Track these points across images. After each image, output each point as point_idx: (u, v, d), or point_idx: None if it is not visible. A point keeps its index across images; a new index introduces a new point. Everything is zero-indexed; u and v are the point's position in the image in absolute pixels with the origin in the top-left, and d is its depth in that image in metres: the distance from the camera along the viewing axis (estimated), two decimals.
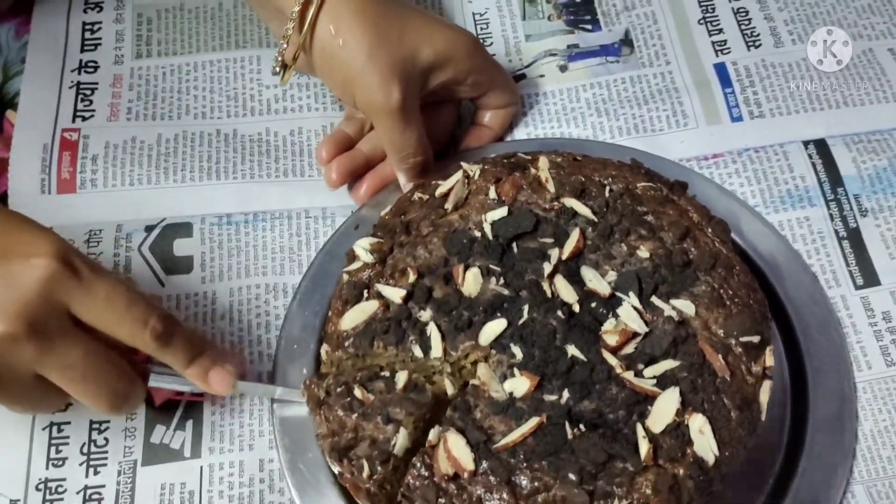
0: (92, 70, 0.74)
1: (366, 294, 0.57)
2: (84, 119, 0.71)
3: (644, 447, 0.50)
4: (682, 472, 0.51)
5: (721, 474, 0.52)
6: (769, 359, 0.55)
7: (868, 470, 0.58)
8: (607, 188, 0.60)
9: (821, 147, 0.70)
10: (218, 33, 0.77)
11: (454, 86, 0.66)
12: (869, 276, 0.65)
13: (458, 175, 0.61)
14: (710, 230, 0.59)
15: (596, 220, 0.59)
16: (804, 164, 0.69)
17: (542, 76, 0.75)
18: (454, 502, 0.51)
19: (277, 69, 0.63)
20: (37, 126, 0.70)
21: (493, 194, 0.60)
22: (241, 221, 0.67)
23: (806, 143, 0.70)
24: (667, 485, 0.50)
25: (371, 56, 0.60)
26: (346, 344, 0.56)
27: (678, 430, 0.51)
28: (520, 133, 0.72)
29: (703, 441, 0.51)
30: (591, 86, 0.74)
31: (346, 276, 0.59)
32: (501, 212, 0.59)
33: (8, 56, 0.75)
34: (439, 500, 0.51)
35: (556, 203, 0.60)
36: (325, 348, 0.57)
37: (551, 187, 0.60)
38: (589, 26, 0.78)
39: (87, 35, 0.76)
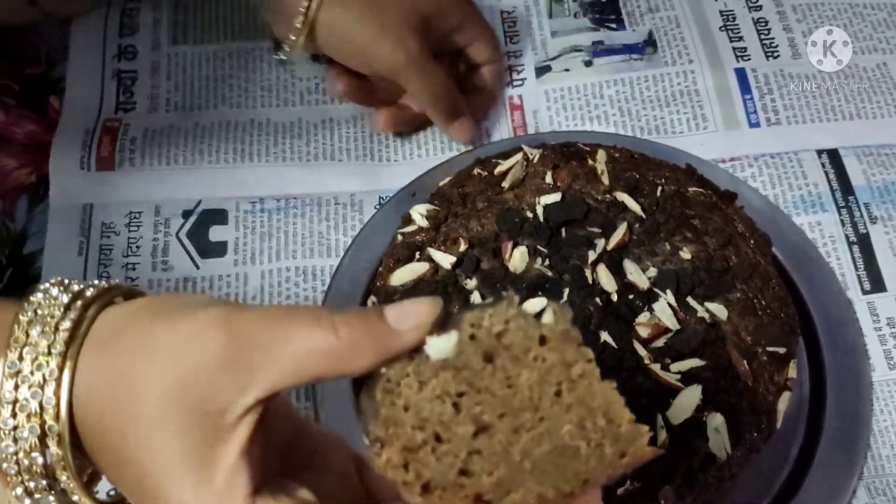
0: (131, 56, 0.77)
1: (417, 256, 0.60)
2: (126, 111, 0.74)
3: (661, 436, 0.53)
4: (694, 465, 0.53)
5: (731, 474, 0.54)
6: (792, 371, 0.57)
7: (867, 467, 0.60)
8: (659, 188, 0.62)
9: (833, 157, 0.72)
10: (252, 21, 0.79)
11: (450, 34, 0.71)
12: (876, 282, 0.67)
13: (519, 157, 0.64)
14: (752, 241, 0.61)
15: (644, 216, 0.61)
16: (817, 172, 0.71)
17: (567, 70, 0.78)
18: None
19: (284, 56, 0.68)
20: (81, 117, 0.73)
21: (549, 179, 0.63)
22: (273, 209, 0.69)
23: (819, 152, 0.73)
24: (679, 475, 0.53)
25: (382, 22, 0.66)
26: (394, 299, 0.58)
27: (695, 425, 0.54)
28: (544, 128, 0.74)
29: (718, 439, 0.54)
30: (615, 82, 0.77)
31: (399, 237, 0.62)
32: (555, 197, 0.61)
33: (50, 42, 0.77)
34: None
35: (608, 195, 0.62)
36: (371, 300, 0.60)
37: (606, 180, 0.62)
38: (614, 25, 0.80)
39: (126, 20, 0.79)
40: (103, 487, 0.39)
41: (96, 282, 0.39)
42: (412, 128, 0.73)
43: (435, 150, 0.73)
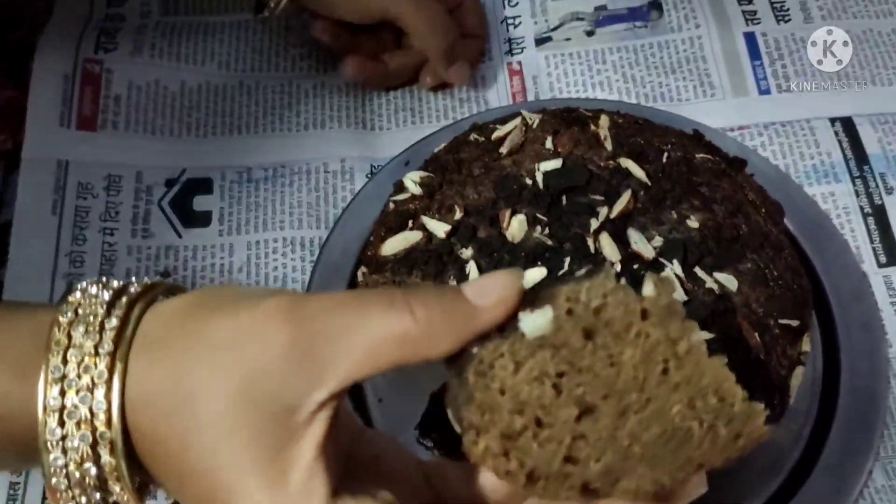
0: (118, 20, 0.74)
1: (410, 224, 0.57)
2: (107, 51, 0.71)
3: None
4: None
5: None
6: (805, 345, 0.54)
7: (885, 447, 0.57)
8: (665, 154, 0.59)
9: (847, 125, 0.69)
10: None
11: None
12: (892, 255, 0.64)
13: (517, 122, 0.61)
14: (763, 210, 0.58)
15: (649, 183, 0.58)
16: (830, 141, 0.69)
17: (568, 39, 0.75)
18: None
19: (267, 12, 0.67)
20: (57, 52, 0.70)
21: (549, 145, 0.60)
22: (261, 178, 0.67)
23: (832, 120, 0.70)
24: None
25: None
26: (385, 269, 0.56)
27: None
28: (544, 95, 0.72)
29: None
30: (619, 49, 0.74)
31: (392, 205, 0.59)
32: (555, 163, 0.58)
33: (33, 6, 0.74)
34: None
35: (611, 162, 0.59)
36: (362, 270, 0.57)
37: (609, 145, 0.59)
38: None
39: None
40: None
41: (134, 279, 0.37)
42: (383, 83, 0.71)
43: (430, 117, 0.71)
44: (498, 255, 0.55)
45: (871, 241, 0.65)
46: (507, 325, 0.34)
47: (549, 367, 0.32)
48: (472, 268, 0.55)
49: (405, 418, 0.56)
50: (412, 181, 0.59)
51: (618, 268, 0.54)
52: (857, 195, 0.66)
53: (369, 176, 0.67)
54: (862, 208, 0.66)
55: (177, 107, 0.70)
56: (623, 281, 0.33)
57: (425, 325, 0.33)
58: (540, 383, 0.32)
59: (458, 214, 0.57)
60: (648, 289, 0.33)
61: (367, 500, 0.34)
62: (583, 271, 0.34)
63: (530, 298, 0.34)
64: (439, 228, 0.56)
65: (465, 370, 0.33)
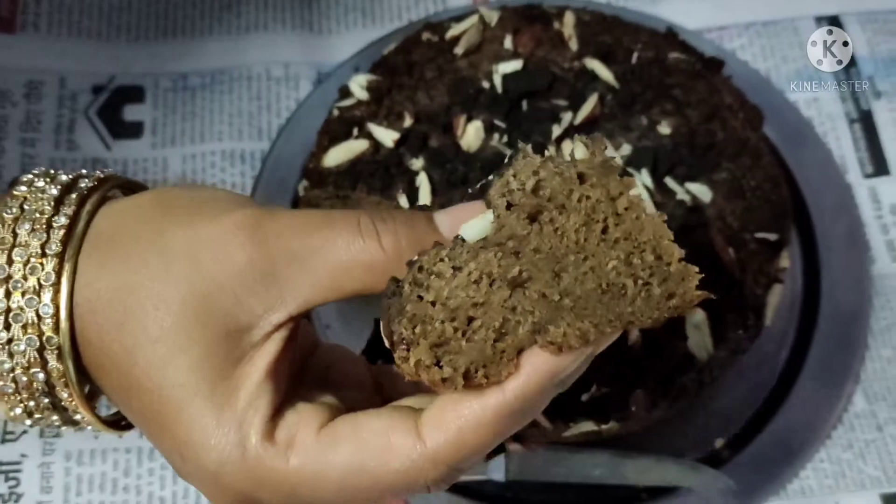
0: None
1: (355, 132, 0.53)
2: None
3: (633, 334, 0.47)
4: (670, 366, 0.47)
5: (712, 377, 0.48)
6: (784, 261, 0.50)
7: (865, 370, 0.54)
8: (635, 54, 0.55)
9: (834, 24, 0.65)
10: None
11: None
12: (879, 165, 0.60)
13: (474, 19, 0.56)
14: (741, 115, 0.54)
15: (617, 86, 0.53)
16: None
17: None
18: None
19: None
20: None
21: (508, 44, 0.55)
22: (197, 86, 0.62)
23: (818, 20, 0.65)
24: (653, 378, 0.46)
25: None
26: (328, 182, 0.51)
27: (673, 322, 0.46)
28: None
29: (699, 338, 0.48)
30: None
31: (336, 112, 0.54)
32: (515, 65, 0.54)
33: None
34: None
35: (576, 63, 0.54)
36: (303, 184, 0.52)
37: (574, 45, 0.55)
38: None
39: None
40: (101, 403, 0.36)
41: (85, 171, 0.35)
42: None
43: (383, 18, 0.66)
44: (451, 165, 0.51)
45: (857, 150, 0.61)
46: None
47: (492, 267, 0.31)
48: (422, 180, 0.51)
49: (352, 344, 0.52)
50: (358, 85, 0.55)
51: None
52: (843, 100, 0.62)
53: (316, 83, 0.62)
54: (847, 114, 0.62)
55: (105, 7, 0.65)
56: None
57: (393, 256, 0.32)
58: (476, 286, 0.31)
59: (408, 121, 0.53)
60: (580, 151, 0.32)
61: (306, 408, 0.33)
62: (506, 162, 0.32)
63: None
64: (387, 137, 0.52)
65: (400, 281, 0.31)
